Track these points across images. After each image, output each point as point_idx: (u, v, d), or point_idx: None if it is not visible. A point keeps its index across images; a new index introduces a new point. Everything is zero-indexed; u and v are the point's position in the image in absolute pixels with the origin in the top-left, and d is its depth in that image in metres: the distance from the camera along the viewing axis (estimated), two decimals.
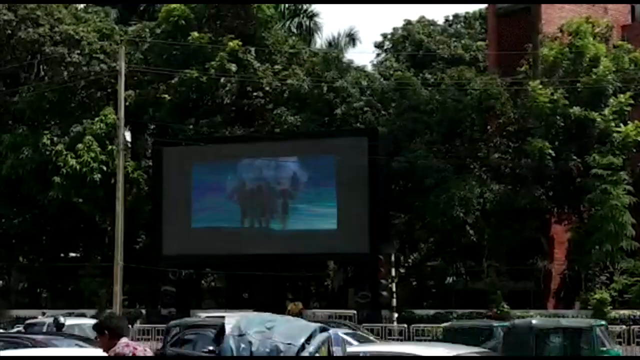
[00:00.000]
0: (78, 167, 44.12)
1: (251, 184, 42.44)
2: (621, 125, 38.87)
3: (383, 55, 62.54)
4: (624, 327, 32.66)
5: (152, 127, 47.69)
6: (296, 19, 55.61)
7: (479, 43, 58.09)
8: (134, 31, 49.34)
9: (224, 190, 42.95)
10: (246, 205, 42.54)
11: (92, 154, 44.34)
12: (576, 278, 39.74)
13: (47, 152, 45.16)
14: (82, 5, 52.15)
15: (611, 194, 37.36)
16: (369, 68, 55.13)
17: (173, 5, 46.96)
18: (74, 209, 45.66)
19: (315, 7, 57.10)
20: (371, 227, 39.76)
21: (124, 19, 53.19)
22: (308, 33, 56.11)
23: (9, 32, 46.90)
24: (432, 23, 61.96)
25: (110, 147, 43.70)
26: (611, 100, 39.27)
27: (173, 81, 45.27)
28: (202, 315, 33.57)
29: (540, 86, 39.38)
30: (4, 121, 48.03)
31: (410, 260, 48.37)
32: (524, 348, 22.73)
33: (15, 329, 33.45)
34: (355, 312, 38.56)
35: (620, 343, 29.78)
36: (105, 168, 44.17)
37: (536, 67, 41.50)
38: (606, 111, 38.86)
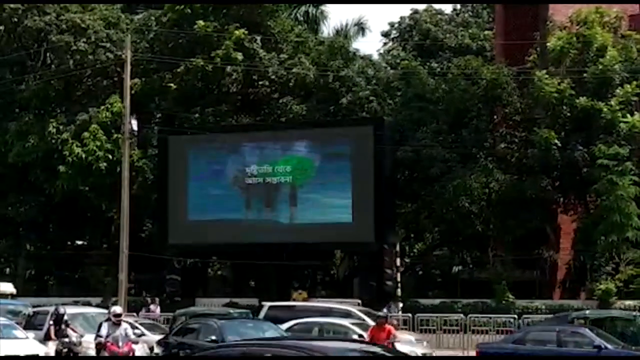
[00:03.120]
0: (84, 155, 44.11)
1: (257, 173, 42.24)
2: (628, 115, 38.65)
3: (390, 44, 62.42)
4: None
5: (158, 115, 47.51)
6: (303, 8, 55.32)
7: (487, 32, 57.93)
8: (140, 20, 49.22)
9: (230, 179, 42.84)
10: (252, 194, 42.41)
11: (98, 143, 44.31)
12: (582, 268, 39.64)
13: (53, 141, 45.12)
14: None
15: (617, 185, 37.18)
16: (376, 57, 54.97)
17: None
18: (80, 197, 45.64)
19: None
20: (377, 216, 39.62)
21: (130, 7, 53.03)
22: (315, 22, 55.84)
23: (16, 20, 46.91)
24: (440, 12, 61.82)
25: (116, 135, 43.57)
26: (618, 90, 39.03)
27: (179, 70, 45.10)
28: (267, 304, 33.14)
29: (547, 76, 39.17)
30: (11, 109, 48.02)
31: (415, 250, 48.33)
32: None
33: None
34: (360, 301, 38.46)
35: None
36: (111, 157, 44.12)
37: (543, 57, 41.28)
38: (613, 101, 38.63)
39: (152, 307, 40.01)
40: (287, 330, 28.05)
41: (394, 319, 35.67)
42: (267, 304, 33.20)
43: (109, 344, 23.42)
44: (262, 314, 31.65)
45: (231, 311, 33.23)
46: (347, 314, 30.55)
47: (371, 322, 28.95)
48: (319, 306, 32.35)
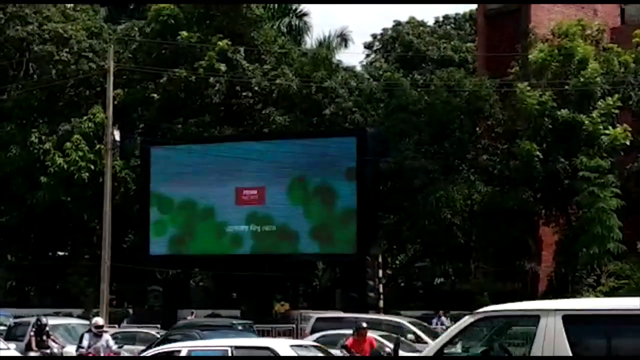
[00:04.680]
0: (66, 166, 43.98)
1: (238, 183, 42.20)
2: (609, 128, 38.74)
3: (373, 56, 62.59)
4: None
5: (141, 126, 47.48)
6: (286, 19, 55.41)
7: (469, 44, 58.15)
8: (123, 30, 49.22)
9: (212, 190, 42.69)
10: (234, 205, 42.27)
11: (80, 153, 44.18)
12: (563, 280, 39.62)
13: (35, 151, 45.00)
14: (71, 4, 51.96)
15: (599, 197, 37.20)
16: (359, 68, 55.03)
17: (162, 5, 46.74)
18: (62, 207, 45.50)
19: (305, 7, 57.03)
20: (359, 228, 39.72)
21: (113, 17, 53.03)
22: (298, 33, 55.92)
23: None
24: (422, 24, 61.99)
25: (98, 146, 43.47)
26: (599, 102, 39.14)
27: (162, 80, 45.07)
28: (314, 315, 32.47)
29: (529, 88, 39.21)
30: None
31: (398, 262, 48.29)
32: None
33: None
34: (342, 312, 38.38)
35: None
36: (93, 167, 43.98)
37: (525, 69, 41.32)
38: (594, 114, 38.69)
39: (189, 318, 39.52)
40: (314, 342, 27.76)
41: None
42: (315, 315, 32.81)
43: (90, 354, 23.33)
44: (309, 326, 31.24)
45: (235, 322, 32.69)
46: (397, 327, 29.49)
47: (424, 336, 28.54)
48: (369, 318, 30.70)
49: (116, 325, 37.14)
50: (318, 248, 40.77)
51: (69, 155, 44.18)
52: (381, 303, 39.38)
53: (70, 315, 40.01)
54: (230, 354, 16.97)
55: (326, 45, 55.77)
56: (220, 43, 44.75)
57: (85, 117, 45.23)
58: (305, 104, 45.09)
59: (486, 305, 38.36)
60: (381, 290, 39.72)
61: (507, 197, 39.18)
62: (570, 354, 12.60)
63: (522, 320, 13.85)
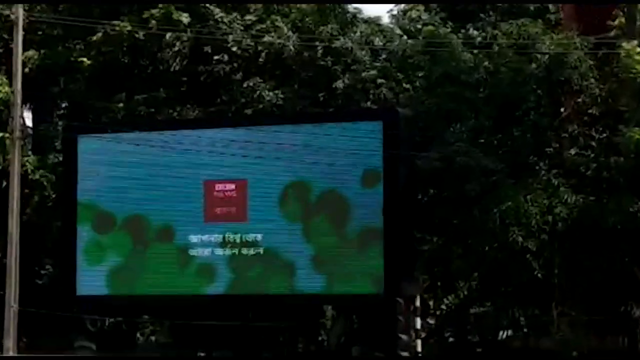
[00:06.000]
0: None
1: (208, 190, 42.12)
2: None
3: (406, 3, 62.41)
4: None
5: (64, 105, 47.55)
6: None
7: None
8: None
9: (170, 199, 42.62)
10: (200, 221, 42.25)
11: None
12: None
13: None
14: None
15: None
16: (386, 21, 54.70)
17: None
18: None
19: None
20: (386, 255, 39.61)
21: None
22: None
23: None
24: None
25: (1, 134, 43.46)
26: None
27: (95, 38, 45.40)
28: None
29: (639, 50, 39.01)
30: None
31: (444, 306, 48.07)
32: None
33: None
34: None
35: None
36: None
37: (632, 22, 41.22)
38: None
39: None
40: None
41: None
42: None
43: None
44: None
45: None
46: None
47: None
48: None
49: None
50: (324, 285, 40.66)
51: None
52: None
53: None
54: None
55: None
56: None
57: None
58: (308, 73, 45.17)
59: None
60: (419, 347, 39.46)
61: (607, 211, 39.01)
62: None
63: None
